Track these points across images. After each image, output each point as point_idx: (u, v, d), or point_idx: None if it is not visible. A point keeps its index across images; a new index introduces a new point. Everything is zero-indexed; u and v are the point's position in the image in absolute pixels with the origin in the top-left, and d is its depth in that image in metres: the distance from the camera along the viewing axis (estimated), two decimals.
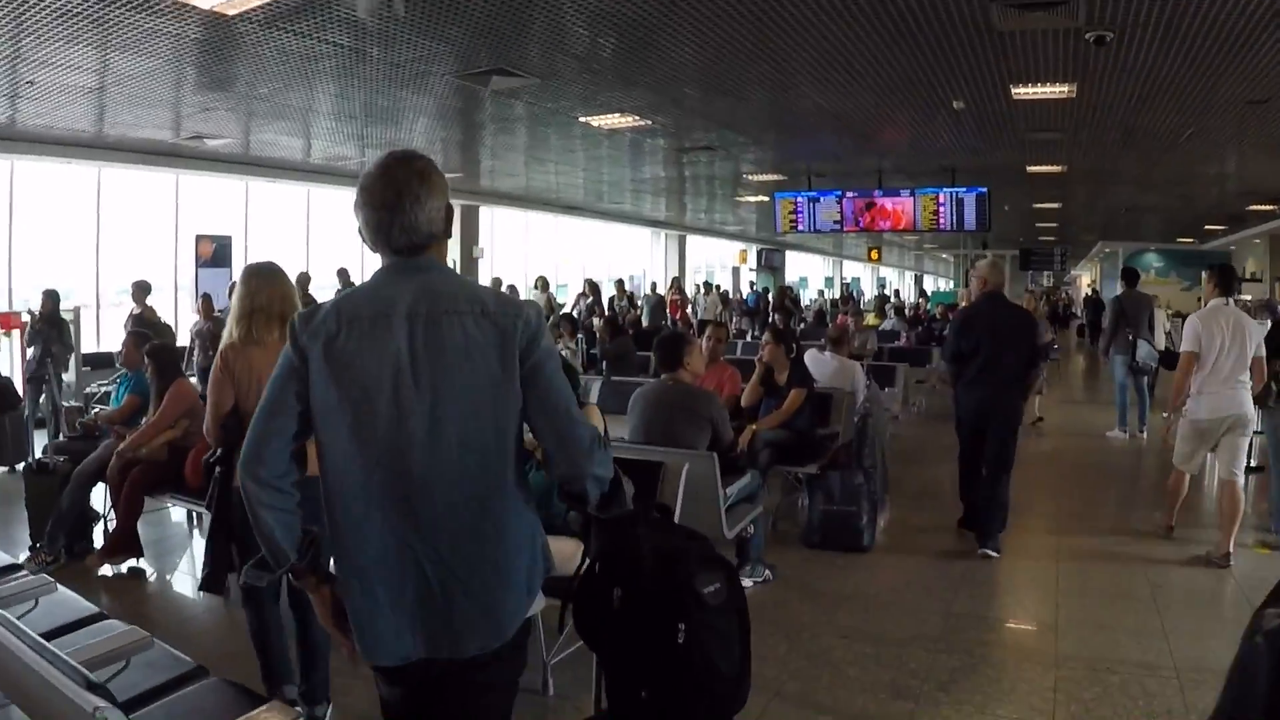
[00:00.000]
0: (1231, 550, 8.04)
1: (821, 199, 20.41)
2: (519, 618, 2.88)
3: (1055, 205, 27.23)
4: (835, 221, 20.45)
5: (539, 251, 32.01)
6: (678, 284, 29.91)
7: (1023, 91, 12.27)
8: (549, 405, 2.83)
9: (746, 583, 7.26)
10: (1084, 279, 58.54)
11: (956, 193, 19.15)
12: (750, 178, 21.87)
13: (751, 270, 43.38)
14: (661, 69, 11.58)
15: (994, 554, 8.27)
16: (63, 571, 7.38)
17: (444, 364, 2.75)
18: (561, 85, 12.48)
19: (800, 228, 20.80)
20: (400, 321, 2.76)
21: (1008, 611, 7.36)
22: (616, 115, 14.52)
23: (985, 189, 18.99)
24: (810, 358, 10.45)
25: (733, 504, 7.07)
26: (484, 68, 11.35)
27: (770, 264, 44.79)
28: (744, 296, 35.64)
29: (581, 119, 14.74)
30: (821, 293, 45.71)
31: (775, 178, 21.43)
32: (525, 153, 19.02)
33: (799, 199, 20.63)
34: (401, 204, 2.80)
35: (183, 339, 15.99)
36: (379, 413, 2.73)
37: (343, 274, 18.56)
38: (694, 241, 39.92)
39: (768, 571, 7.61)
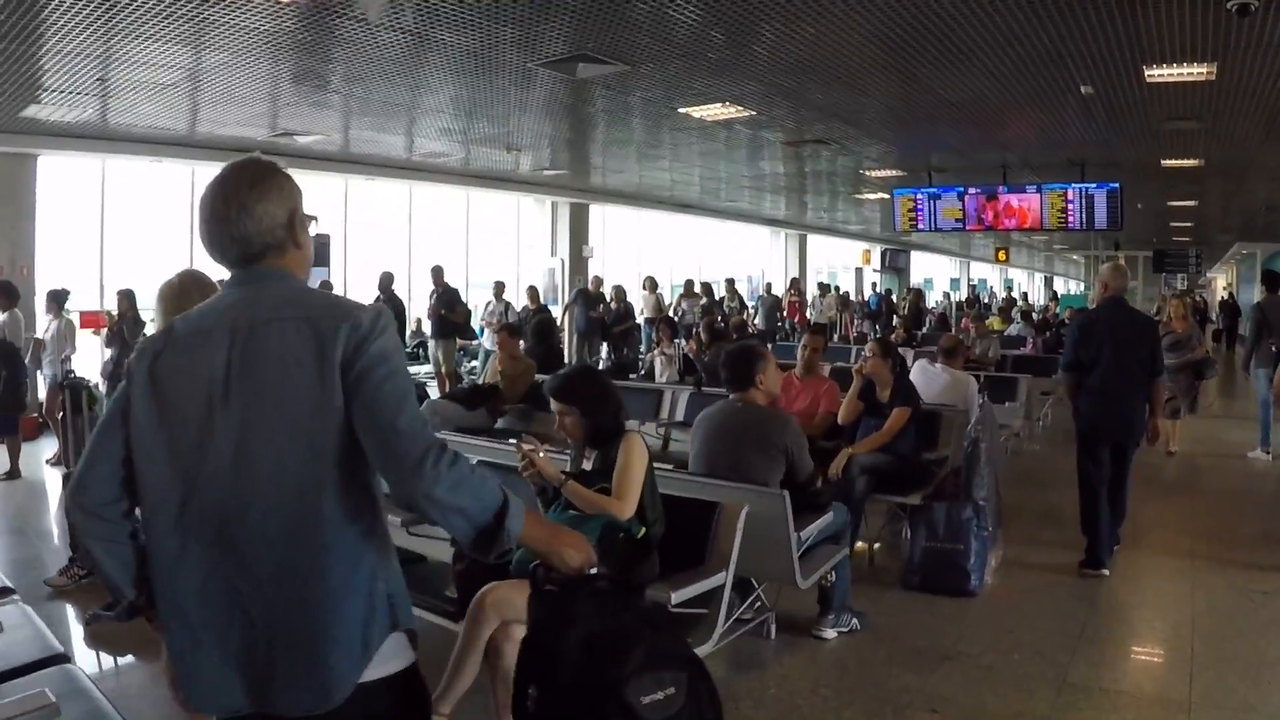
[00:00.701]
0: None
1: (942, 196, 19.54)
2: (349, 679, 2.41)
3: (1191, 203, 25.87)
4: (957, 220, 19.58)
5: (653, 251, 31.48)
6: (796, 285, 29.02)
7: (1157, 73, 11.28)
8: (371, 418, 2.39)
9: (830, 633, 6.43)
10: (1219, 282, 56.23)
11: (1086, 189, 18.11)
12: (869, 174, 20.99)
13: (875, 271, 42.51)
14: (767, 56, 10.94)
15: (1106, 572, 8.00)
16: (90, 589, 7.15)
17: (257, 379, 2.43)
18: (655, 73, 11.86)
19: (920, 226, 19.99)
20: (222, 335, 2.48)
21: (1131, 683, 6.25)
22: (718, 106, 13.84)
23: (1117, 184, 17.94)
24: (919, 371, 9.60)
25: (810, 546, 6.14)
26: (565, 54, 10.77)
27: (894, 265, 43.99)
28: (866, 298, 34.62)
29: (681, 109, 14.09)
30: (946, 295, 44.14)
31: (895, 174, 20.59)
32: (631, 147, 18.41)
33: (918, 196, 19.78)
34: (228, 212, 2.53)
35: None
36: (191, 435, 2.45)
37: (437, 271, 17.78)
38: (815, 241, 39.18)
39: (855, 620, 6.61)
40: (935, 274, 52.04)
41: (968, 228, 19.84)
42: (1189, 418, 13.84)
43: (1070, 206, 18.27)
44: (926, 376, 9.60)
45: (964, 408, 8.82)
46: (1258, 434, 13.52)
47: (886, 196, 21.79)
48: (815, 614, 6.53)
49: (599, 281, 21.02)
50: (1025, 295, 43.61)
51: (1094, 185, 18.05)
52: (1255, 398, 13.60)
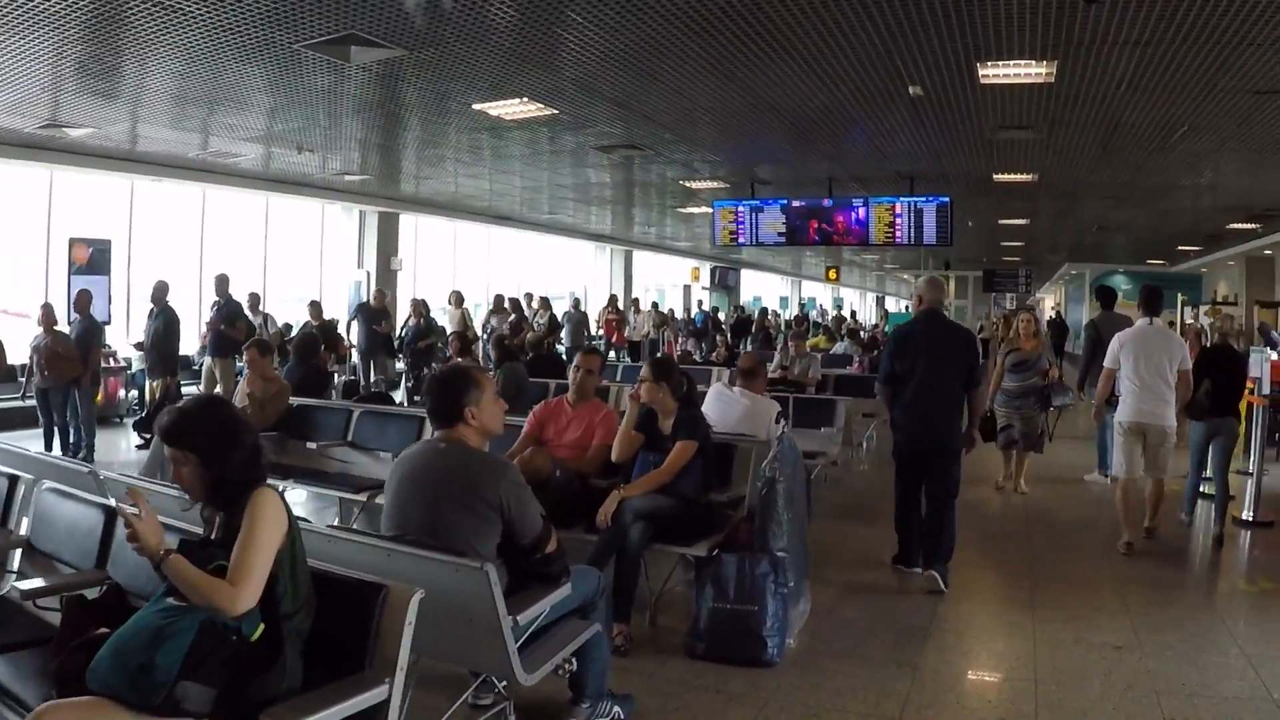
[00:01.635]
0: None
1: (765, 208, 18.67)
2: None
3: (1022, 222, 25.47)
4: (780, 234, 18.70)
5: (470, 265, 30.31)
6: (614, 301, 27.75)
7: (993, 73, 10.39)
8: None
9: None
10: (1047, 302, 57.49)
11: (915, 202, 17.41)
12: (692, 185, 20.01)
13: (704, 289, 42.03)
14: (572, 44, 9.87)
15: (942, 585, 7.79)
16: None
17: None
18: (438, 59, 10.59)
19: (741, 240, 19.07)
20: None
21: None
22: (515, 102, 12.64)
23: (947, 199, 17.22)
24: (715, 396, 8.44)
25: (541, 629, 4.69)
26: (333, 33, 9.49)
27: (724, 282, 43.66)
28: (691, 315, 33.58)
29: (475, 105, 12.85)
30: (772, 312, 43.33)
31: (718, 185, 19.70)
32: (431, 150, 17.10)
33: (740, 208, 18.84)
34: None
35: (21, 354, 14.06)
36: None
37: (221, 280, 16.12)
38: (643, 258, 38.61)
39: (616, 709, 5.19)
40: (766, 292, 51.56)
41: (791, 242, 18.92)
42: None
43: (899, 221, 17.52)
44: (723, 402, 8.43)
45: (765, 438, 7.51)
46: (1095, 455, 12.94)
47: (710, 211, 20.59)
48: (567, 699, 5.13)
49: (381, 295, 19.47)
50: (853, 314, 42.76)
51: (924, 199, 17.31)
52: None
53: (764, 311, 36.10)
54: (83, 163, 16.81)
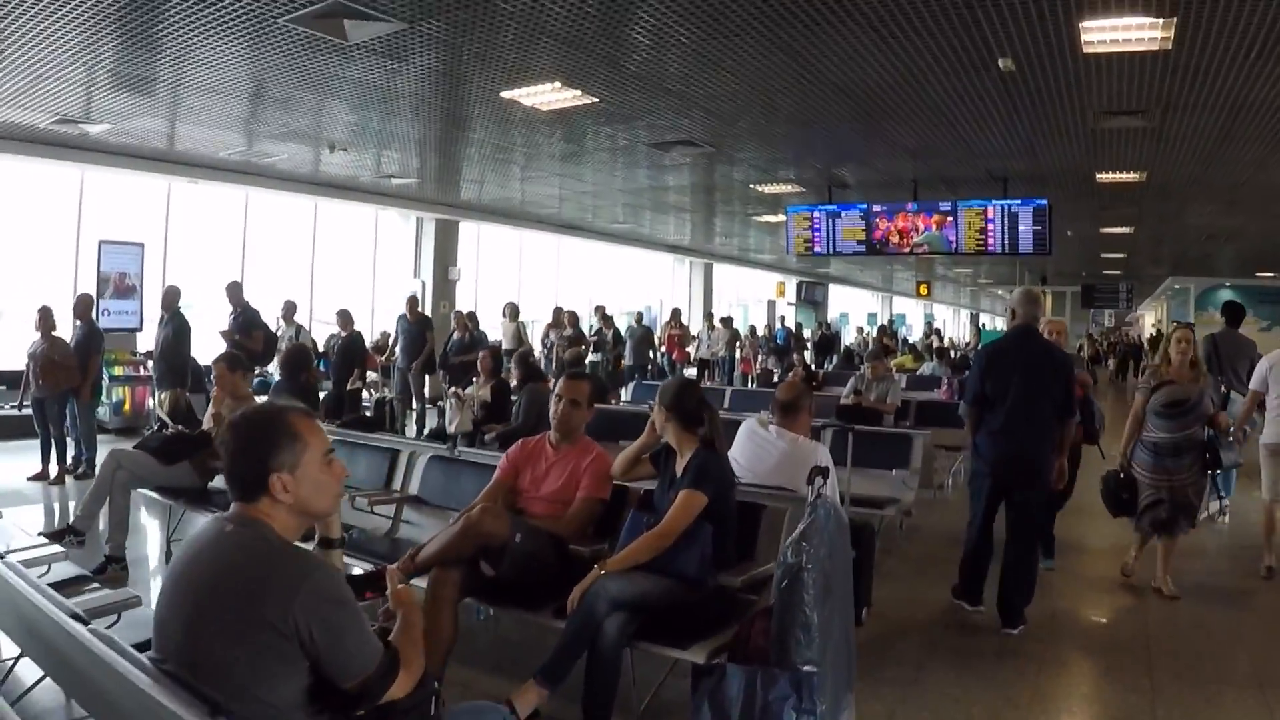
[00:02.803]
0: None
1: (843, 214, 17.03)
2: None
3: (1125, 230, 23.47)
4: (859, 242, 17.02)
5: (535, 276, 28.99)
6: (676, 316, 25.91)
7: (1098, 37, 8.76)
8: None
9: None
10: (1148, 319, 55.68)
11: (1009, 206, 15.69)
12: (760, 188, 18.33)
13: (790, 305, 40.35)
14: (600, 21, 8.70)
15: (1014, 631, 7.14)
16: None
17: None
18: (447, 35, 9.35)
19: (817, 249, 17.47)
20: None
21: None
22: (548, 88, 11.23)
23: (1045, 201, 15.44)
24: (745, 435, 6.68)
25: None
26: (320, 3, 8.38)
27: (811, 298, 42.06)
28: (774, 332, 31.94)
29: (504, 93, 11.49)
30: (860, 330, 41.60)
31: (790, 189, 18.08)
32: (473, 149, 15.74)
33: (815, 214, 17.26)
34: None
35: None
36: None
37: (234, 288, 14.80)
38: (724, 271, 37.01)
39: None
40: (854, 309, 49.67)
41: (871, 251, 17.24)
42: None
43: (991, 227, 15.83)
44: (755, 444, 6.63)
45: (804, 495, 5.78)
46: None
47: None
48: None
49: (415, 302, 17.72)
50: (938, 331, 40.56)
51: (1018, 202, 15.60)
52: None
53: (883, 330, 34.29)
54: (114, 162, 16.12)
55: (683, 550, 5.16)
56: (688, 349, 25.19)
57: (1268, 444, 8.92)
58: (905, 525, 10.18)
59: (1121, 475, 8.38)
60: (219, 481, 8.73)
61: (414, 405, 17.18)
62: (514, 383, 11.48)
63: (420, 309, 17.80)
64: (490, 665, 6.07)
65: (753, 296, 41.23)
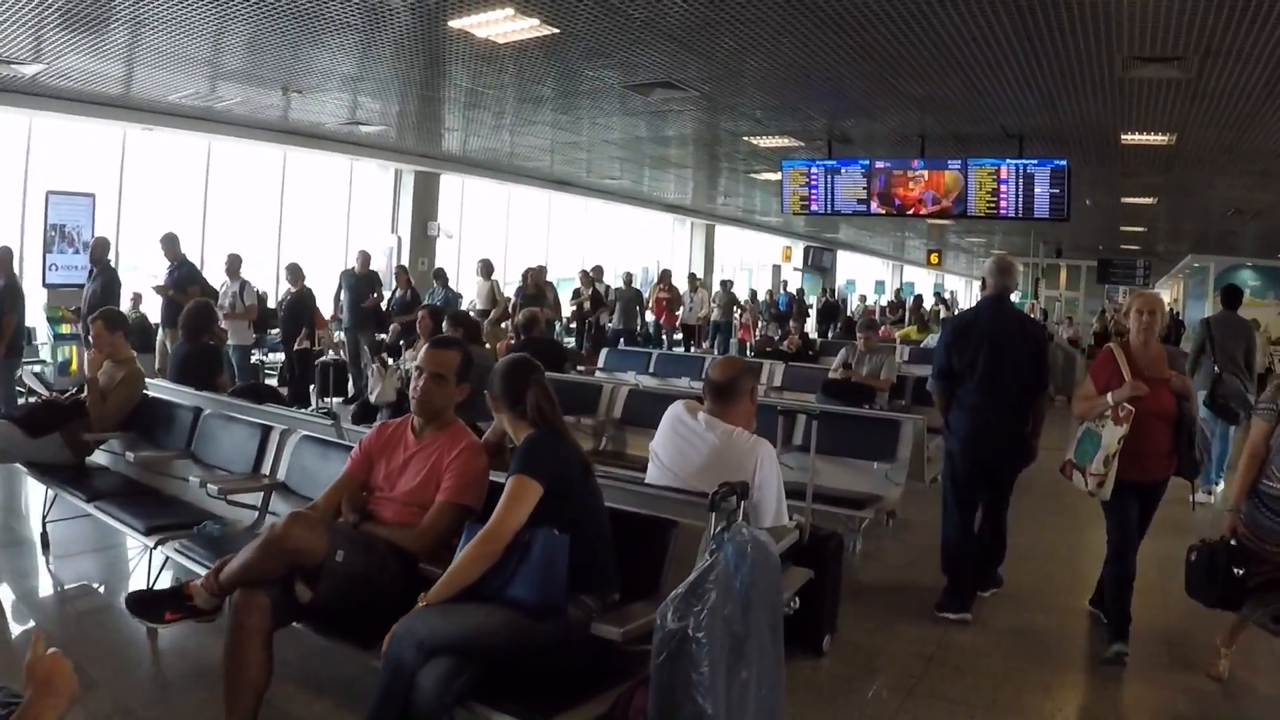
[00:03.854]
0: None
1: (843, 170, 15.76)
2: None
3: (1148, 201, 22.10)
4: (860, 201, 15.76)
5: (524, 234, 27.49)
6: (665, 277, 24.30)
7: None
8: None
9: None
10: (1164, 297, 52.95)
11: (1024, 166, 14.49)
12: (755, 141, 16.90)
13: (796, 270, 39.21)
14: None
15: (985, 594, 7.20)
16: None
17: None
18: None
19: (814, 207, 16.18)
20: None
21: None
22: (499, 14, 9.91)
23: (1064, 161, 14.24)
24: (669, 426, 5.30)
25: None
26: None
27: (819, 264, 40.75)
28: (775, 298, 30.87)
29: (453, 22, 10.25)
30: (863, 298, 40.76)
31: (789, 143, 16.65)
32: (438, 91, 14.46)
33: (813, 170, 15.93)
34: None
35: None
36: None
37: (169, 241, 13.60)
38: (728, 233, 35.54)
39: None
40: (863, 276, 48.42)
41: (874, 210, 15.96)
42: None
43: (1004, 189, 14.67)
44: (679, 436, 5.22)
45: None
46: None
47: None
48: None
49: (365, 258, 16.52)
50: (945, 301, 38.87)
51: (1035, 162, 14.40)
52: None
53: (919, 299, 33.01)
54: (63, 108, 15.20)
55: (518, 565, 3.92)
56: (676, 313, 23.77)
57: None
58: (892, 521, 8.96)
59: (1233, 544, 5.68)
60: (100, 456, 7.61)
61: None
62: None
63: (369, 265, 16.63)
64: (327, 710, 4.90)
65: (757, 261, 40.06)
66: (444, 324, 9.97)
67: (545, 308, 15.91)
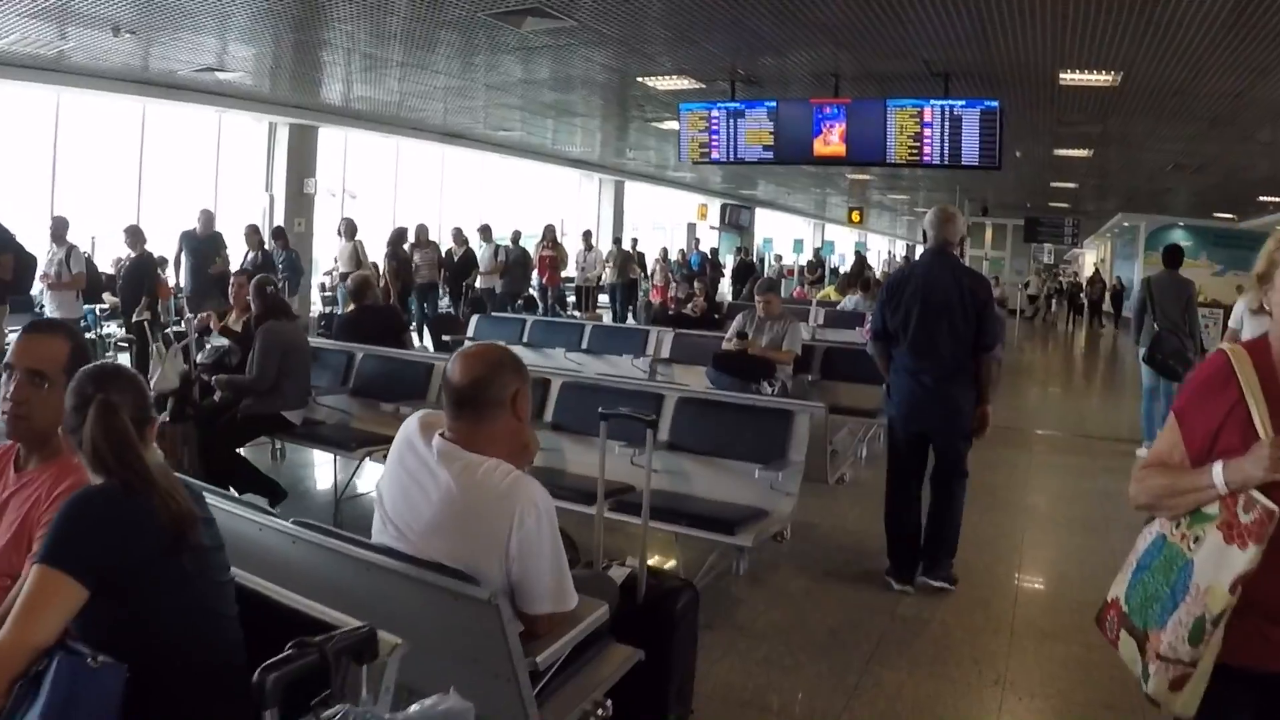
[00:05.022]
0: None
1: (747, 113, 14.26)
2: None
3: (1084, 153, 20.84)
4: (767, 147, 14.23)
5: (415, 191, 25.69)
6: (550, 234, 22.39)
7: None
8: None
9: None
10: (1088, 257, 55.31)
11: (951, 107, 13.13)
12: (648, 82, 15.14)
13: (713, 228, 38.05)
14: None
15: (947, 585, 6.56)
16: None
17: None
18: None
19: (715, 155, 14.73)
20: None
21: None
22: None
23: (996, 103, 12.97)
24: (398, 452, 3.45)
25: None
26: None
27: (736, 222, 39.33)
28: (688, 257, 29.86)
29: None
30: (779, 258, 39.70)
31: (688, 85, 14.92)
32: (287, 33, 12.98)
33: (714, 113, 14.45)
34: None
35: None
36: None
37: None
38: (640, 190, 34.14)
39: None
40: (783, 235, 47.20)
41: (781, 159, 14.57)
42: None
43: (928, 133, 13.30)
44: (407, 474, 3.24)
45: (497, 576, 2.78)
46: (1142, 429, 11.93)
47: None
48: None
49: (208, 217, 14.70)
50: (862, 260, 37.36)
51: (962, 103, 13.04)
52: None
53: (861, 259, 31.74)
54: None
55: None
56: (561, 273, 22.07)
57: None
58: (786, 540, 6.96)
59: None
60: None
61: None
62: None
63: (213, 225, 14.83)
64: None
65: (672, 219, 38.91)
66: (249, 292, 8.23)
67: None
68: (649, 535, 4.77)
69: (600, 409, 5.05)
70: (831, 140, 13.85)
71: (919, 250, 49.29)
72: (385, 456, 3.94)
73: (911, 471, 6.87)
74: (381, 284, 15.85)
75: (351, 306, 10.21)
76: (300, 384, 7.91)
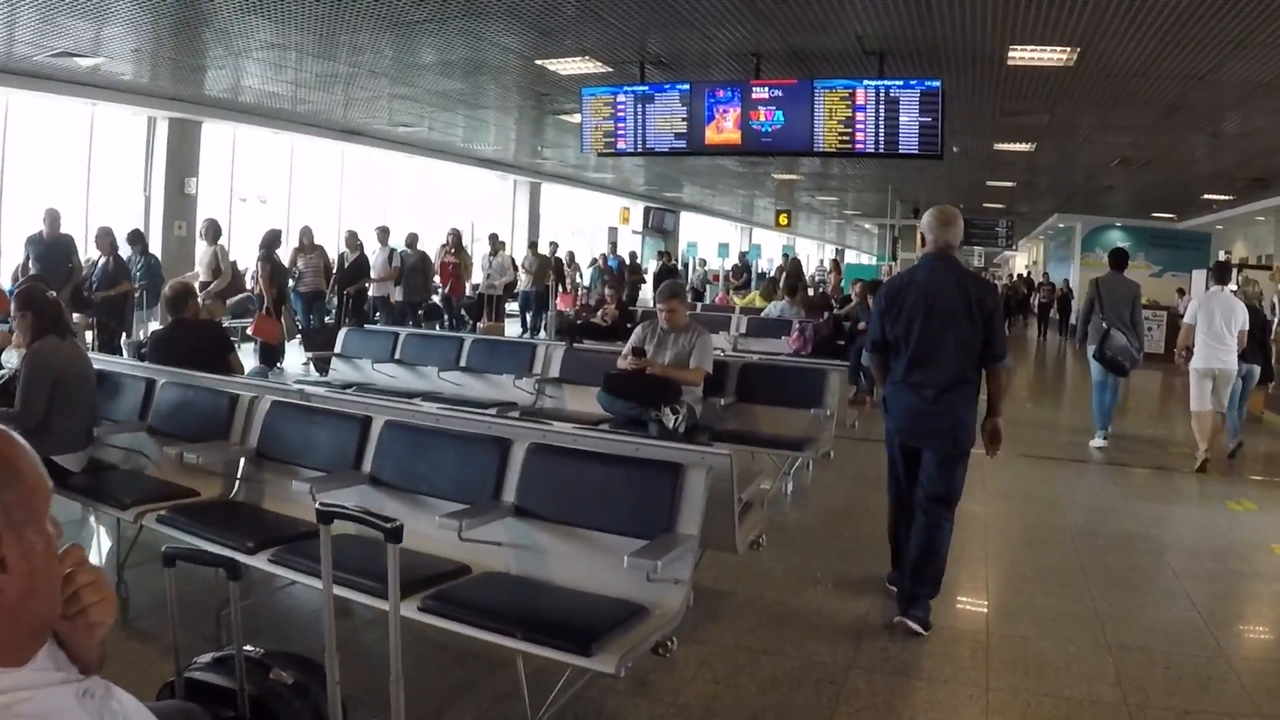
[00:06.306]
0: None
1: (656, 97, 12.98)
2: None
3: (1025, 148, 19.92)
4: (679, 135, 12.96)
5: (312, 193, 24.47)
6: (455, 236, 21.11)
7: None
8: None
9: None
10: (1018, 260, 57.28)
11: (887, 89, 11.97)
12: (547, 65, 13.77)
13: (635, 232, 37.36)
14: None
15: (919, 629, 6.04)
16: None
17: None
18: None
19: (622, 145, 13.49)
20: None
21: None
22: None
23: (937, 83, 11.84)
24: None
25: None
26: None
27: (660, 226, 38.96)
28: (608, 262, 28.73)
29: None
30: (704, 263, 39.14)
31: (589, 67, 13.62)
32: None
33: (620, 97, 13.17)
34: None
35: None
36: None
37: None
38: (557, 193, 33.18)
39: None
40: (708, 240, 46.72)
41: (694, 148, 13.19)
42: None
43: (860, 118, 12.12)
44: None
45: None
46: (1095, 420, 12.79)
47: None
48: None
49: (55, 218, 13.24)
50: (797, 264, 35.88)
51: (899, 83, 11.87)
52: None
53: (797, 262, 29.83)
54: None
55: None
56: (465, 281, 20.84)
57: (1196, 368, 11.37)
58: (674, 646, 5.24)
59: None
60: None
61: None
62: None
63: (59, 227, 13.41)
64: None
65: (593, 223, 37.93)
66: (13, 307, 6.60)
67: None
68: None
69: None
70: (730, 127, 12.74)
71: (850, 255, 49.22)
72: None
73: (910, 490, 6.54)
74: (255, 290, 14.77)
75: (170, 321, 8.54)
76: (79, 419, 6.24)
